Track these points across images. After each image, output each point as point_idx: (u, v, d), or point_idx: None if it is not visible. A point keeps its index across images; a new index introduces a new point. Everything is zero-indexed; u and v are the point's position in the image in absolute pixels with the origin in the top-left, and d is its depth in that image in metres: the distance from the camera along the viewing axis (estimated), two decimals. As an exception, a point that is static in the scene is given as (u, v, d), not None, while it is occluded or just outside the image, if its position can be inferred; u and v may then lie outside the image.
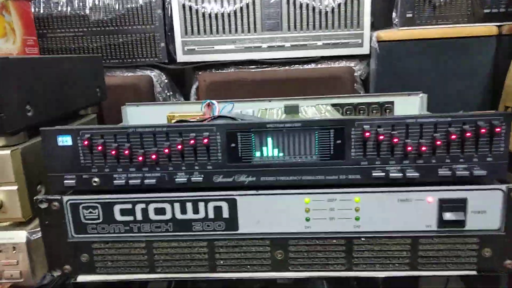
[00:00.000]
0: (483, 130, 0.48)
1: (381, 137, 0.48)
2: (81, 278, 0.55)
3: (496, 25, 0.99)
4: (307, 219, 0.52)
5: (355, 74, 1.08)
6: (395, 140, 0.48)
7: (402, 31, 1.01)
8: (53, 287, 0.61)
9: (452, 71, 1.01)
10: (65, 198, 0.53)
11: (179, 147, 0.50)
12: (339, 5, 1.04)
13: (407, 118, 0.48)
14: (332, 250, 0.53)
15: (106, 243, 0.54)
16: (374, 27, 1.07)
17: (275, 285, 0.78)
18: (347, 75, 1.05)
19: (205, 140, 0.50)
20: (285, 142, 0.51)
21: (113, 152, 0.50)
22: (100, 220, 0.53)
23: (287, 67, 1.10)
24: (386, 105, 0.75)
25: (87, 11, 1.13)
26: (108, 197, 0.52)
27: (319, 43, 1.07)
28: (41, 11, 1.13)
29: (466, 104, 1.02)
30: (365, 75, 1.10)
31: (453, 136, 0.48)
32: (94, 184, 0.52)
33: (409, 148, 0.48)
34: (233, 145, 0.51)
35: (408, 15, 1.01)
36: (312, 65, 1.09)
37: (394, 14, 1.03)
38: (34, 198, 0.53)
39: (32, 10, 1.11)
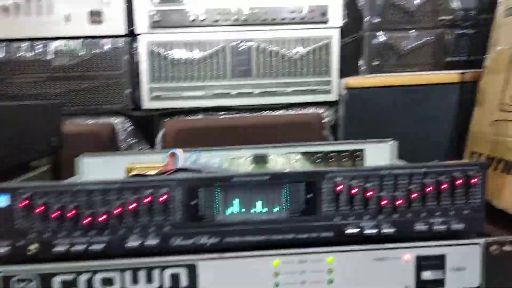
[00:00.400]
0: (459, 181, 0.45)
1: (355, 190, 0.45)
2: None
3: (459, 73, 1.03)
4: (276, 284, 0.47)
5: (324, 120, 1.07)
6: (369, 193, 0.45)
7: (369, 78, 1.03)
8: None
9: (419, 117, 1.02)
10: (-4, 269, 0.45)
11: (133, 206, 0.45)
12: (307, 52, 1.05)
13: (381, 169, 0.45)
14: (305, 318, 0.47)
15: (44, 323, 0.46)
16: (342, 74, 1.09)
17: None
18: (316, 121, 1.04)
19: (163, 197, 0.45)
20: (252, 197, 0.46)
21: (55, 215, 0.44)
22: (37, 296, 0.45)
23: (256, 114, 1.09)
24: (357, 153, 0.73)
25: (50, 56, 1.09)
26: (47, 267, 0.45)
27: (288, 89, 1.06)
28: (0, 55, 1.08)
29: (435, 149, 1.02)
30: (334, 122, 1.10)
31: (429, 188, 0.45)
32: (29, 252, 0.45)
33: (384, 202, 0.45)
34: (194, 202, 0.46)
35: (374, 63, 1.03)
36: (281, 112, 1.08)
37: (361, 62, 1.04)
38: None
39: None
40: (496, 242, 0.46)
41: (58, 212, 0.44)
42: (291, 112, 1.08)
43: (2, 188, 0.45)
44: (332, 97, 1.06)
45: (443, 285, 0.47)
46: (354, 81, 1.03)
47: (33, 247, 0.45)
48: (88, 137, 1.02)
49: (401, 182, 0.46)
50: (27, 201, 0.44)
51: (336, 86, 1.06)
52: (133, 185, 0.45)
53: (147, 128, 1.23)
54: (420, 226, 0.46)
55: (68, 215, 0.44)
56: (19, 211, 0.45)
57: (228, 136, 1.03)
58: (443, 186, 0.45)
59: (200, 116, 1.09)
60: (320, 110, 1.07)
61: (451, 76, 1.03)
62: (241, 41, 1.05)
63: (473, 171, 0.46)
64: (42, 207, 0.44)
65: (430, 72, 1.04)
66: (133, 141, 1.11)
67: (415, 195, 0.45)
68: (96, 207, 0.45)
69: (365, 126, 1.01)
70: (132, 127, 1.12)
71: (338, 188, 0.45)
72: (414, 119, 1.01)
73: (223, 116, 1.09)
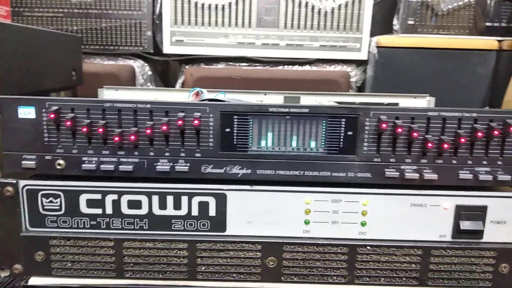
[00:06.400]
0: (512, 129, 0.42)
1: (399, 130, 0.42)
2: (34, 281, 0.46)
3: (497, 40, 0.97)
4: (307, 222, 0.45)
5: (351, 80, 1.03)
6: (415, 134, 0.42)
7: (403, 38, 0.98)
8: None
9: (451, 83, 0.98)
10: (22, 182, 0.44)
11: (164, 128, 0.42)
12: (339, 6, 1.00)
13: (429, 110, 0.42)
14: (332, 259, 0.46)
15: (67, 240, 0.45)
16: (373, 33, 1.03)
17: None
18: (343, 79, 1.00)
19: (196, 122, 0.42)
20: (288, 131, 0.44)
21: (85, 130, 0.42)
22: (62, 212, 0.45)
23: (280, 67, 1.05)
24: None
25: (70, -9, 1.04)
26: (74, 185, 0.44)
27: (316, 44, 1.02)
28: (18, -13, 1.03)
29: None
30: (361, 82, 1.06)
31: (479, 134, 0.42)
32: (58, 167, 0.43)
33: (429, 145, 0.42)
34: (227, 130, 0.43)
35: (409, 22, 0.98)
36: (307, 67, 1.04)
37: (395, 21, 0.99)
38: (-17, 180, 0.43)
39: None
40: (543, 196, 0.44)
41: (87, 128, 0.42)
42: (317, 68, 1.03)
43: (30, 99, 0.43)
44: (361, 55, 1.01)
45: (481, 237, 0.45)
46: (386, 39, 0.98)
47: (61, 162, 0.43)
48: (107, 78, 0.99)
49: (449, 126, 0.43)
50: (55, 114, 0.42)
51: (366, 44, 1.01)
52: (165, 106, 0.43)
53: (166, 74, 1.19)
54: (464, 174, 0.44)
55: (97, 131, 0.42)
56: (47, 124, 0.43)
57: (249, 89, 1.00)
58: (494, 133, 0.42)
59: (221, 66, 1.06)
60: (348, 69, 1.03)
61: (489, 42, 0.97)
62: (269, -11, 1.00)
63: (528, 120, 0.43)
64: (70, 122, 0.42)
65: (467, 37, 0.99)
66: (152, 86, 1.08)
67: (463, 140, 0.42)
68: (126, 126, 0.43)
69: (393, 88, 0.97)
70: (151, 72, 1.09)
71: (382, 126, 0.42)
72: (445, 85, 0.97)
73: (246, 68, 1.05)
